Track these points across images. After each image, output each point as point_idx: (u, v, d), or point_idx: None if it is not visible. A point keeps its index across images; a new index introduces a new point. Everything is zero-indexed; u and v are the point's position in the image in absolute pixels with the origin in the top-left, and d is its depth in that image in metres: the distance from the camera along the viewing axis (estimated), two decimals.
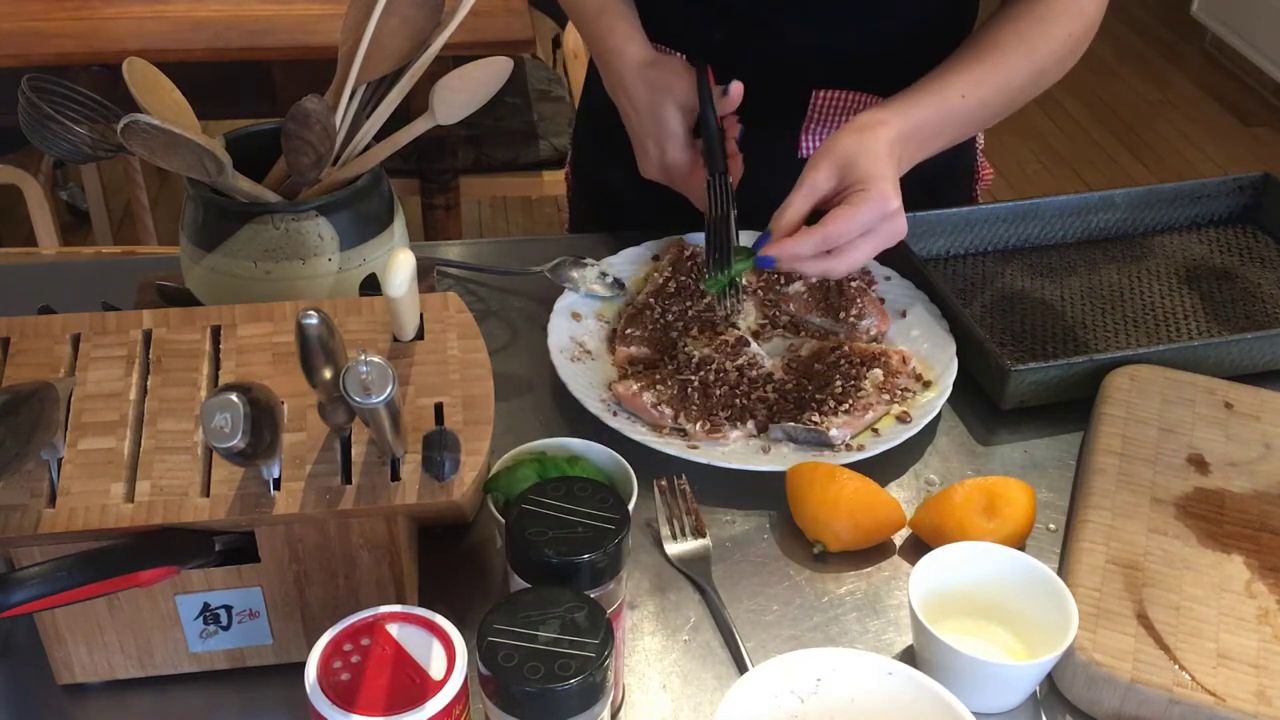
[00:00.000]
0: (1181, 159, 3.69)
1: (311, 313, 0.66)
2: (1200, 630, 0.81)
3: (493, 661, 0.64)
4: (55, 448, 0.72)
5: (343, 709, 0.65)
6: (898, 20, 1.16)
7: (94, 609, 0.76)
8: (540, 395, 1.05)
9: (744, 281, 1.06)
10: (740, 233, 1.03)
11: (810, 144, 1.22)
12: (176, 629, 0.78)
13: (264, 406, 0.67)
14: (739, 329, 1.09)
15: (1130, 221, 1.27)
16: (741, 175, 1.09)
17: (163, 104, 0.89)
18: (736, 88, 1.07)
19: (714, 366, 1.03)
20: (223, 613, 0.78)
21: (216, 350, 0.78)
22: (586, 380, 1.03)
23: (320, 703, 0.65)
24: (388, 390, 0.65)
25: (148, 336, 0.78)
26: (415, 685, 0.66)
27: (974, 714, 0.69)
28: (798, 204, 0.98)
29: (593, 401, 1.00)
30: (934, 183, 1.14)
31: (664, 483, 0.94)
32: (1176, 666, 0.79)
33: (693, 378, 1.02)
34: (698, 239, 1.13)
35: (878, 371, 1.02)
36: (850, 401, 0.99)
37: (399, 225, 0.96)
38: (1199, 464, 0.95)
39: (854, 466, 0.93)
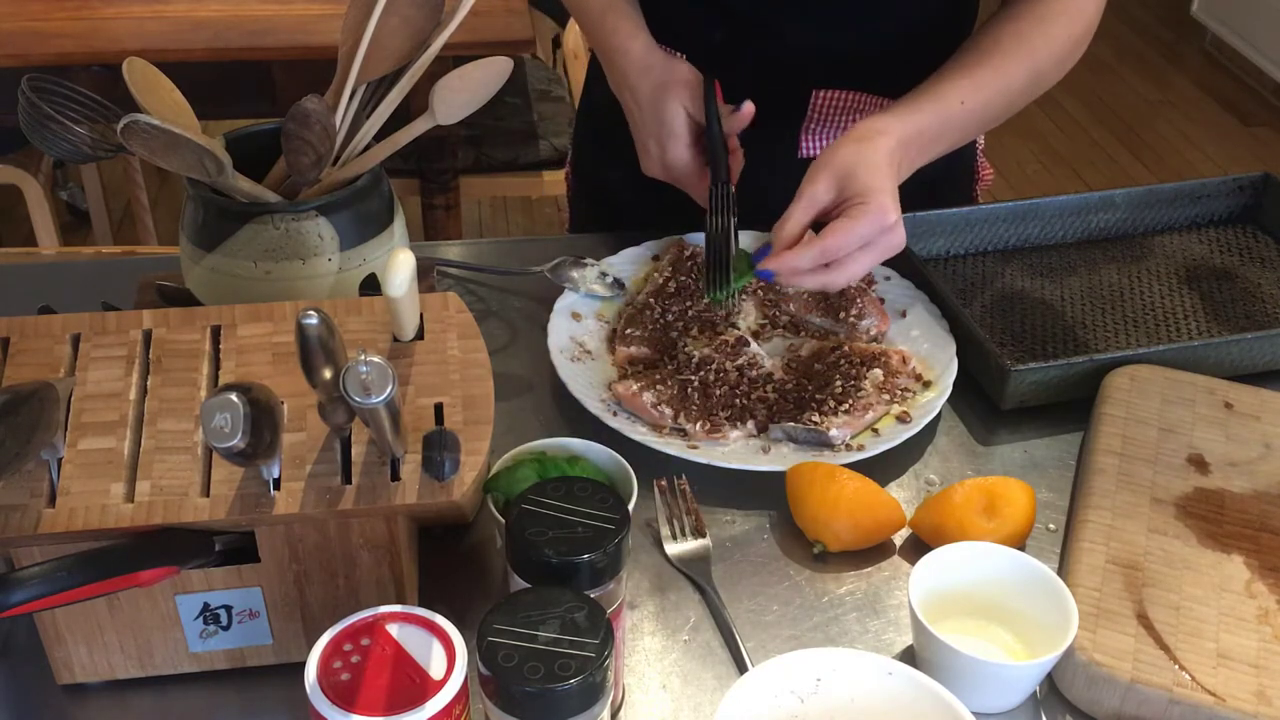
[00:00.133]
0: (1181, 159, 3.69)
1: (311, 313, 0.66)
2: (1200, 630, 0.81)
3: (493, 661, 0.64)
4: (55, 448, 0.72)
5: (343, 709, 0.65)
6: (898, 20, 1.16)
7: (94, 609, 0.76)
8: (540, 395, 1.05)
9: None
10: (740, 233, 1.04)
11: (810, 144, 1.22)
12: (176, 629, 0.78)
13: (264, 406, 0.67)
14: (739, 329, 1.09)
15: (1130, 221, 1.27)
16: (741, 174, 1.10)
17: (163, 104, 0.89)
18: (748, 108, 1.07)
19: (714, 366, 1.03)
20: (223, 613, 0.78)
21: (216, 350, 0.78)
22: (586, 380, 1.03)
23: (320, 703, 0.65)
24: (388, 390, 0.65)
25: (148, 336, 0.78)
26: (415, 685, 0.66)
27: (974, 714, 0.69)
28: (797, 216, 0.98)
29: (593, 401, 1.00)
30: (934, 183, 1.14)
31: (664, 483, 0.94)
32: (1176, 666, 0.79)
33: (693, 378, 1.02)
34: (698, 239, 1.13)
35: (878, 371, 1.02)
36: (850, 401, 0.99)
37: (399, 225, 0.96)
38: (1199, 464, 0.95)
39: (854, 466, 0.93)
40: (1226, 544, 0.88)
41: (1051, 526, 0.95)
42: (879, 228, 0.96)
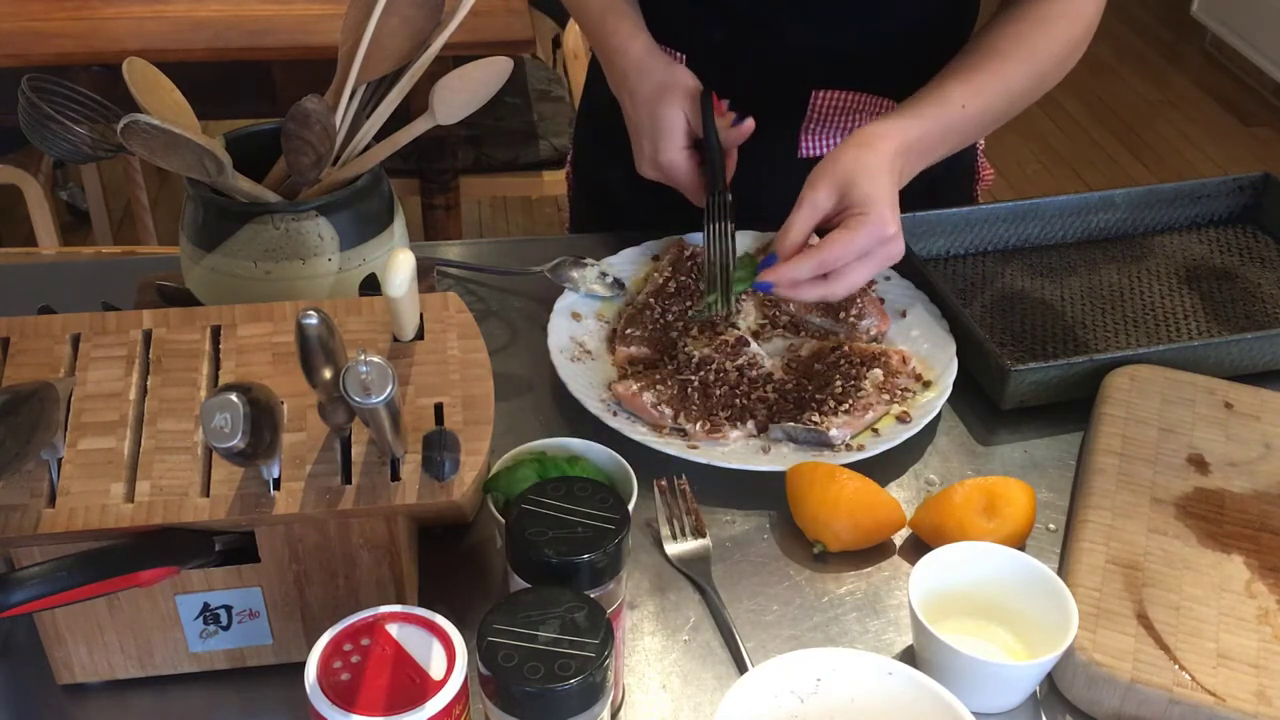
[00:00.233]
0: (1181, 159, 3.69)
1: (311, 313, 0.66)
2: (1200, 630, 0.81)
3: (493, 661, 0.64)
4: (55, 448, 0.72)
5: (343, 709, 0.65)
6: (898, 20, 1.16)
7: (94, 609, 0.76)
8: (540, 395, 1.05)
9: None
10: (738, 233, 1.04)
11: (810, 144, 1.22)
12: (176, 629, 0.78)
13: (264, 406, 0.67)
14: (739, 329, 1.09)
15: (1130, 221, 1.27)
16: (740, 174, 1.10)
17: (163, 104, 0.89)
18: (748, 124, 1.09)
19: (714, 366, 1.03)
20: (223, 613, 0.78)
21: (216, 350, 0.78)
22: (586, 380, 1.03)
23: (320, 703, 0.65)
24: (388, 390, 0.65)
25: (148, 336, 0.78)
26: (415, 685, 0.66)
27: (974, 714, 0.69)
28: (799, 225, 0.99)
29: (593, 401, 1.00)
30: (934, 183, 1.14)
31: (664, 483, 0.94)
32: (1176, 666, 0.79)
33: (693, 378, 1.02)
34: (698, 239, 1.13)
35: (878, 371, 1.02)
36: (850, 401, 0.99)
37: (399, 225, 0.96)
38: (1199, 464, 0.95)
39: (854, 466, 0.93)
40: (1226, 544, 0.88)
41: (1051, 526, 0.95)
42: (878, 239, 0.96)
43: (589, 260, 1.16)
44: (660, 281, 1.12)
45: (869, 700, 0.72)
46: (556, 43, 2.89)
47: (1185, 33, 4.40)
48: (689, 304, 1.10)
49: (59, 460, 0.73)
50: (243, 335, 0.78)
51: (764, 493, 0.95)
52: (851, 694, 0.72)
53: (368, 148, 0.94)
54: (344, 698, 0.65)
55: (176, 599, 0.77)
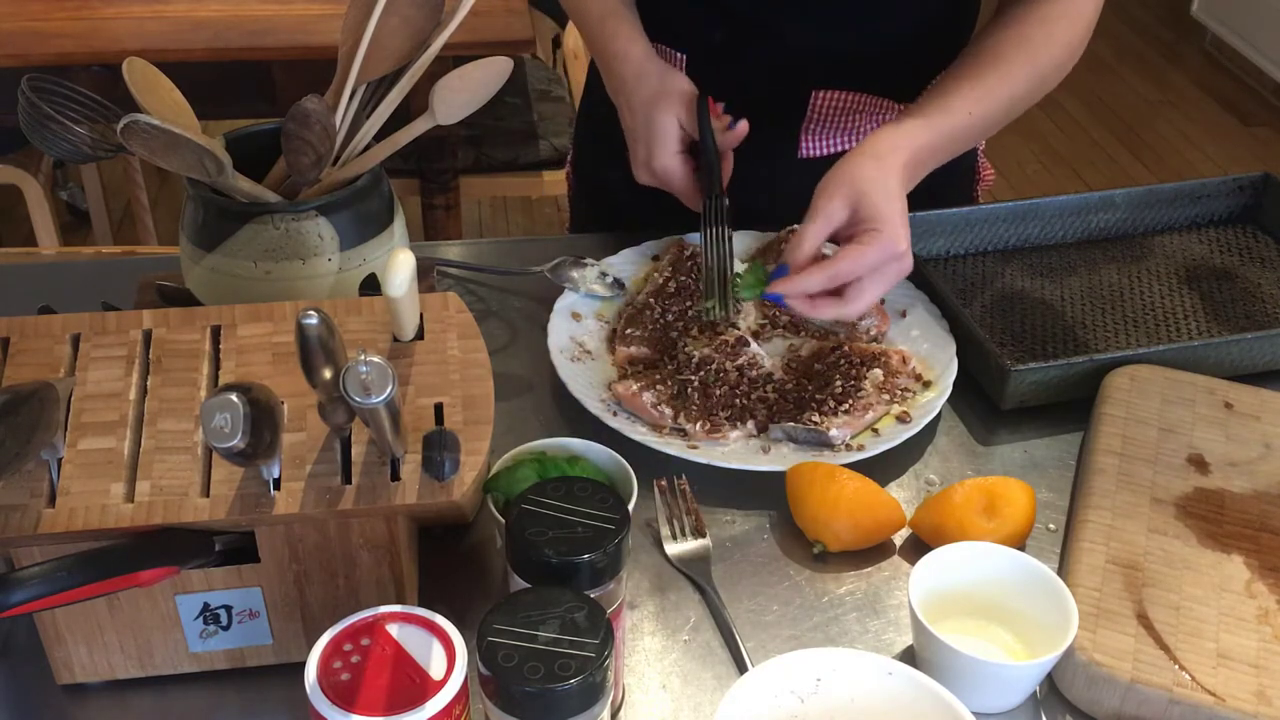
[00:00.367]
0: (1181, 159, 3.69)
1: (311, 313, 0.66)
2: (1200, 630, 0.81)
3: (493, 661, 0.64)
4: (55, 448, 0.72)
5: (343, 709, 0.65)
6: (898, 21, 1.16)
7: (94, 609, 0.76)
8: (540, 395, 1.05)
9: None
10: (735, 234, 1.04)
11: (810, 144, 1.22)
12: (176, 629, 0.78)
13: (264, 406, 0.67)
14: (739, 329, 1.09)
15: (1130, 221, 1.27)
16: (741, 174, 1.10)
17: (163, 104, 0.89)
18: (742, 127, 1.09)
19: (714, 366, 1.03)
20: (223, 613, 0.78)
21: (216, 350, 0.78)
22: (586, 380, 1.03)
23: (320, 703, 0.65)
24: (388, 390, 0.65)
25: (148, 336, 0.78)
26: (415, 685, 0.66)
27: (974, 714, 0.69)
28: (813, 236, 0.98)
29: (593, 401, 1.00)
30: (934, 183, 1.13)
31: (664, 483, 0.94)
32: (1176, 666, 0.79)
33: (693, 378, 1.02)
34: (697, 239, 1.13)
35: (878, 371, 1.02)
36: (850, 401, 0.99)
37: (399, 225, 0.96)
38: (1199, 464, 0.95)
39: (854, 466, 0.93)
40: (1226, 544, 0.88)
41: (1051, 526, 0.95)
42: (890, 255, 0.96)
43: (589, 260, 1.16)
44: (660, 281, 1.12)
45: (869, 700, 0.72)
46: (556, 43, 2.89)
47: (1185, 33, 4.40)
48: (689, 304, 1.10)
49: (59, 460, 0.73)
50: (243, 335, 0.78)
51: (764, 493, 0.95)
52: (851, 694, 0.72)
53: (368, 148, 0.94)
54: (344, 698, 0.65)
55: (176, 599, 0.77)
